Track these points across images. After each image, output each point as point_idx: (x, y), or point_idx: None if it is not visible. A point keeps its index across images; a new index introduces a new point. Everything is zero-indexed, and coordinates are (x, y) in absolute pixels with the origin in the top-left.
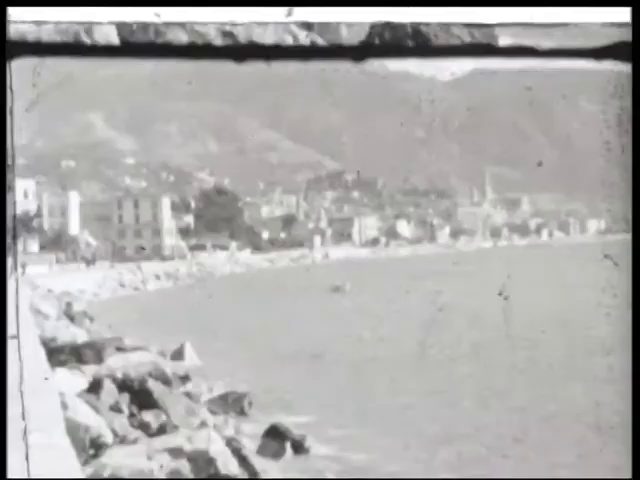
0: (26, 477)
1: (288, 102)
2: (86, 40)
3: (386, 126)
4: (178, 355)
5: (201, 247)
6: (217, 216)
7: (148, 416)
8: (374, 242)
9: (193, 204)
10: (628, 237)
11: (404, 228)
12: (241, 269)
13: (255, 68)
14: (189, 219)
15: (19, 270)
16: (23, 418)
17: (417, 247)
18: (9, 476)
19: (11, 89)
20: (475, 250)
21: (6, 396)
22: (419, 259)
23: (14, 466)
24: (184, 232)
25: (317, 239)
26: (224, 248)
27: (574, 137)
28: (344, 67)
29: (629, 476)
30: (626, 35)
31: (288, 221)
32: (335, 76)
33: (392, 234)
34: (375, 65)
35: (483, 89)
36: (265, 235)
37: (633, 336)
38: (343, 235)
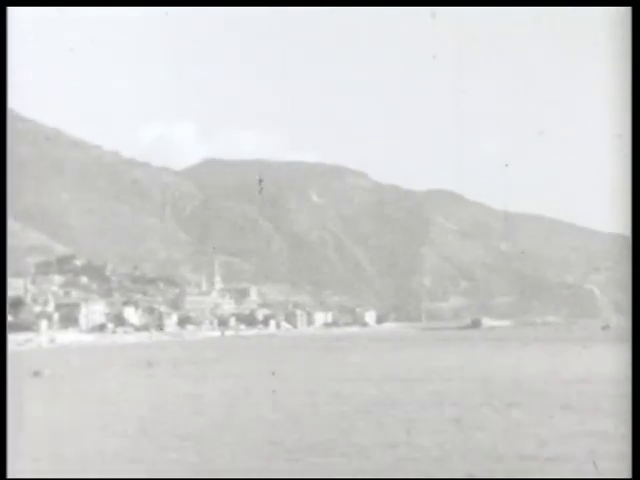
0: (26, 477)
1: (19, 184)
2: None
3: (117, 212)
4: None
5: None
6: None
7: None
8: (101, 328)
9: None
10: (355, 329)
11: (132, 315)
12: None
13: None
14: None
15: None
16: None
17: (144, 334)
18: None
19: None
20: (202, 339)
21: (6, 396)
22: (146, 346)
23: None
24: None
25: (44, 323)
26: None
27: (303, 229)
28: (76, 152)
29: (629, 476)
30: None
31: (15, 304)
32: (66, 160)
33: (120, 320)
34: (109, 152)
35: (215, 179)
36: None
37: (633, 338)
38: (70, 320)
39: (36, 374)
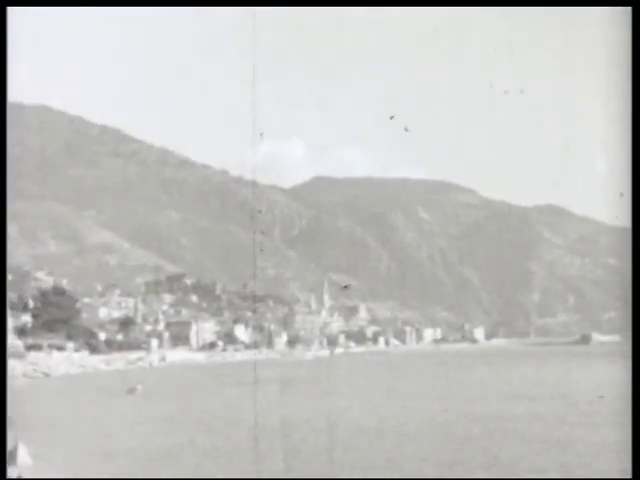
0: (26, 477)
1: (128, 204)
2: None
3: (226, 231)
4: (11, 456)
5: (37, 347)
6: (54, 316)
7: None
8: (211, 346)
9: (31, 303)
10: (464, 346)
11: (242, 333)
12: (77, 370)
13: (97, 171)
14: (26, 318)
15: None
16: None
17: (254, 352)
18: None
19: None
20: (312, 358)
21: (6, 396)
22: (257, 365)
23: None
24: (21, 331)
25: (154, 342)
26: (61, 348)
27: (411, 247)
28: (185, 172)
29: (629, 476)
30: None
31: (125, 323)
32: (175, 180)
33: (230, 338)
34: (216, 170)
35: (323, 197)
36: (102, 336)
37: (633, 340)
38: (180, 338)
39: (130, 391)
